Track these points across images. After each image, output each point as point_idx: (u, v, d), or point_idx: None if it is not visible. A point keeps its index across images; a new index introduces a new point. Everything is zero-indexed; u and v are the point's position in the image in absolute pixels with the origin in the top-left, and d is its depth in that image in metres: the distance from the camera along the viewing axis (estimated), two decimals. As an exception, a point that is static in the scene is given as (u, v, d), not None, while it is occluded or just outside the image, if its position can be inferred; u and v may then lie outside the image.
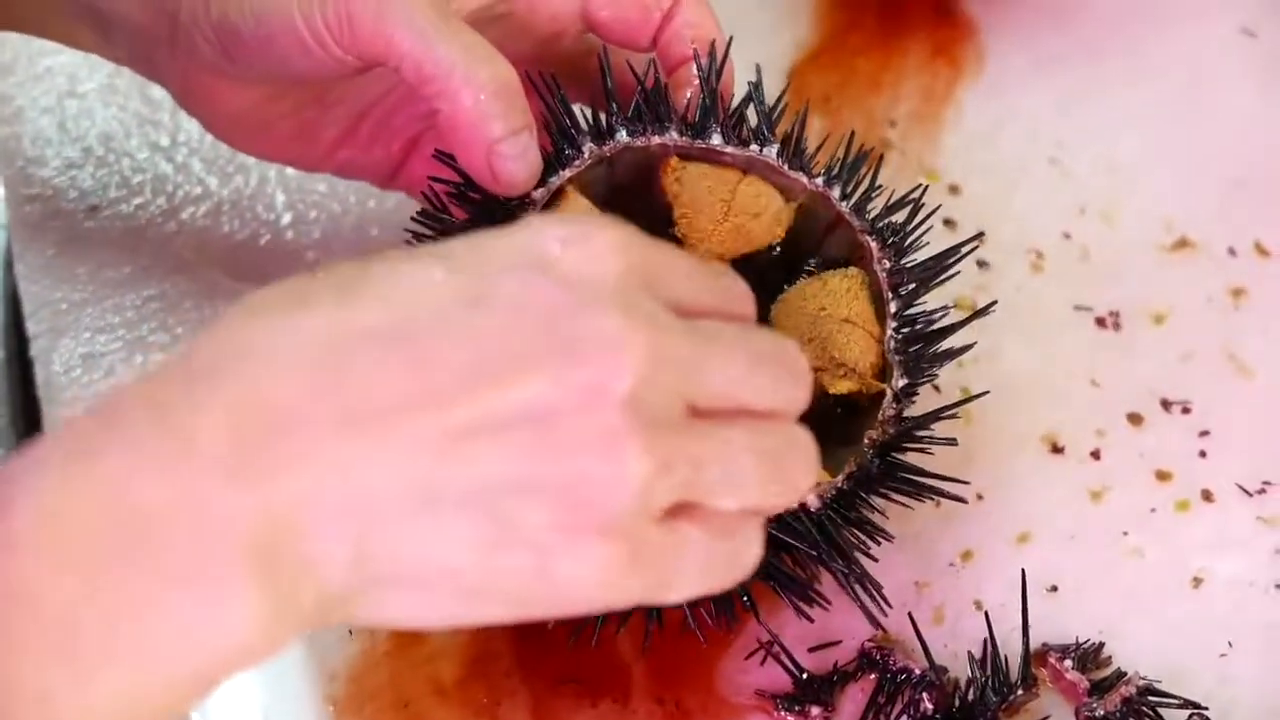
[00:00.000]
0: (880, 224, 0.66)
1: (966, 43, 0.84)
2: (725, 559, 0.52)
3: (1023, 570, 0.68)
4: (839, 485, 0.63)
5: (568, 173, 0.66)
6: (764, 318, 0.66)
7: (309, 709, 0.67)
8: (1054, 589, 0.70)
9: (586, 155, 0.66)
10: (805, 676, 0.67)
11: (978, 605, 0.69)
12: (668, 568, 0.50)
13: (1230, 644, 0.68)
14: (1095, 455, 0.73)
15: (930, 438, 0.66)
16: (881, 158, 0.69)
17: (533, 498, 0.48)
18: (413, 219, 0.68)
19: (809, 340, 0.65)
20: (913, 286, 0.66)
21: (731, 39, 0.68)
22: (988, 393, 0.70)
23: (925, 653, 0.67)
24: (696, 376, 0.50)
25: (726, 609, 0.64)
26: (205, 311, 0.76)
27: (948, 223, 0.79)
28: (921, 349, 0.66)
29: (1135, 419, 0.74)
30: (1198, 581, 0.70)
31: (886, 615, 0.67)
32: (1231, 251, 0.78)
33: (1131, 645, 0.68)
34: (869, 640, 0.68)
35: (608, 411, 0.48)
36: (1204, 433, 0.73)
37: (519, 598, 0.49)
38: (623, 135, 0.66)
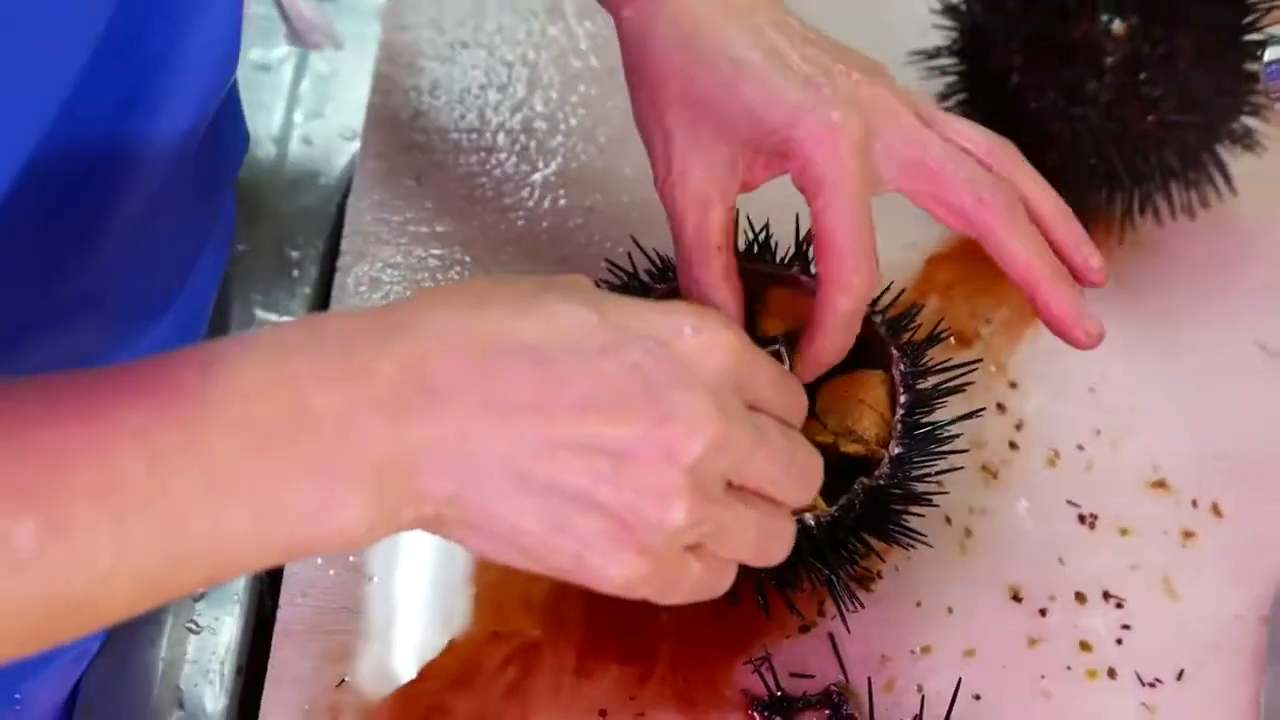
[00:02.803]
0: (904, 342, 0.69)
1: (1062, 283, 0.84)
2: (710, 586, 0.53)
3: (959, 678, 0.69)
4: (833, 513, 0.65)
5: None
6: (814, 393, 0.68)
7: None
8: (978, 698, 0.70)
9: None
10: (779, 693, 0.68)
11: (919, 689, 0.69)
12: (670, 583, 0.51)
13: (1094, 787, 0.68)
14: (1043, 613, 0.73)
15: (909, 505, 0.68)
16: (922, 306, 0.71)
17: (595, 509, 0.48)
18: (606, 261, 0.71)
19: (834, 412, 0.68)
20: (920, 386, 0.68)
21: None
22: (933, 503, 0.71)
23: (870, 709, 0.68)
24: (743, 464, 0.51)
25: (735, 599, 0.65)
26: (442, 283, 0.77)
27: (1000, 406, 0.79)
28: (919, 436, 0.68)
29: (1080, 597, 0.74)
30: (1083, 732, 0.70)
31: (853, 610, 0.68)
32: (1194, 504, 0.77)
33: (1021, 761, 0.68)
34: (834, 684, 0.69)
35: (672, 471, 0.48)
36: (1126, 626, 0.73)
37: (556, 568, 0.50)
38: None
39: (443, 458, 0.47)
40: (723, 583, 0.54)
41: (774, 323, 0.69)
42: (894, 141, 0.63)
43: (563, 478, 0.48)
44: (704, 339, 0.50)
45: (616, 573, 0.49)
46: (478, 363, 0.47)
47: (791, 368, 0.66)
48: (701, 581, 0.52)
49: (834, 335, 0.64)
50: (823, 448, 0.67)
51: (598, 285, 0.69)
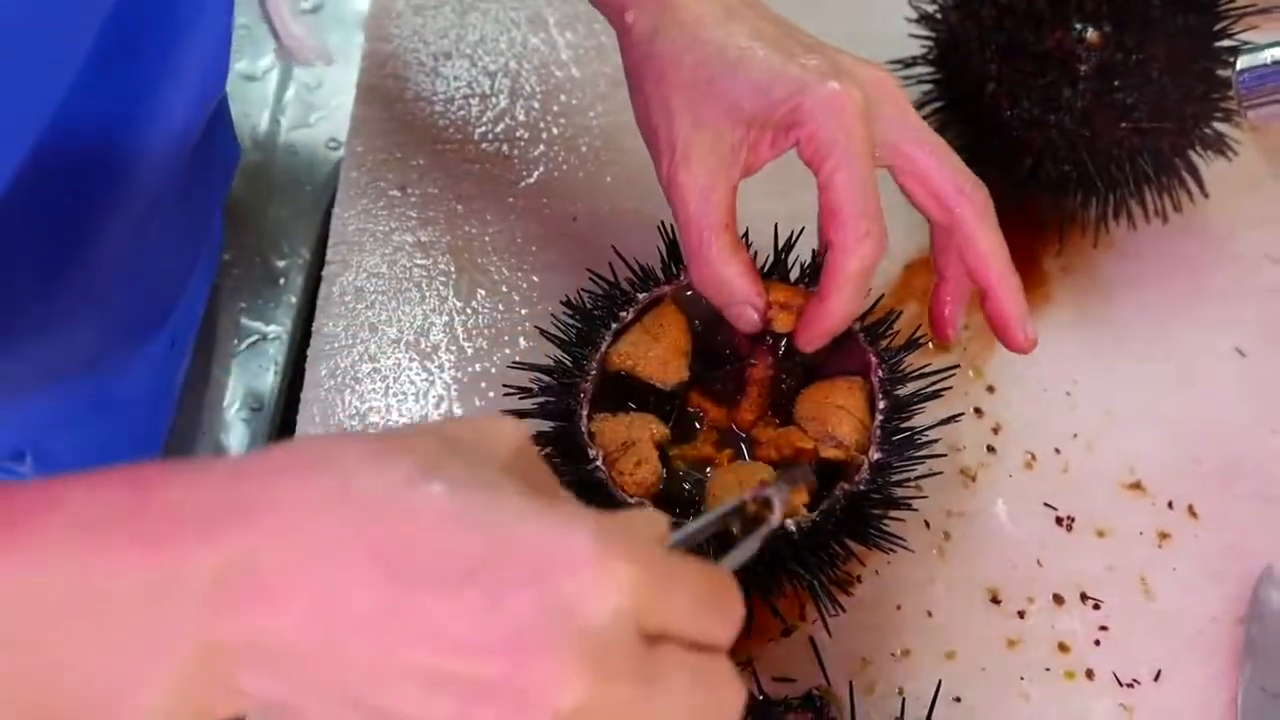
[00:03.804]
0: (882, 349, 0.67)
1: (1038, 288, 0.82)
2: None
3: (939, 680, 0.67)
4: (813, 519, 0.63)
5: (669, 287, 0.67)
6: (794, 399, 0.67)
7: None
8: (958, 700, 0.68)
9: (682, 277, 0.67)
10: (762, 697, 0.66)
11: (900, 691, 0.68)
12: None
13: (1071, 784, 0.66)
14: (1021, 615, 0.71)
15: (889, 509, 0.66)
16: (900, 313, 0.69)
17: None
18: (588, 270, 0.69)
19: (813, 418, 0.66)
20: (898, 392, 0.66)
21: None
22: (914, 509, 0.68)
23: (852, 712, 0.66)
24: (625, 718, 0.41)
25: None
26: (427, 293, 0.75)
27: (977, 411, 0.78)
28: (898, 441, 0.66)
29: (1058, 599, 0.72)
30: (1061, 732, 0.68)
31: (834, 614, 0.66)
32: (1170, 505, 0.76)
33: (998, 760, 0.66)
34: (816, 688, 0.67)
35: None
36: (1104, 627, 0.71)
37: None
38: None
39: (267, 662, 0.41)
40: None
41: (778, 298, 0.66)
42: (891, 118, 0.63)
43: (400, 708, 0.40)
44: (595, 576, 0.40)
45: None
46: (321, 564, 0.40)
47: (749, 447, 0.64)
48: None
49: (842, 298, 0.62)
50: (803, 453, 0.66)
51: (580, 294, 0.69)
